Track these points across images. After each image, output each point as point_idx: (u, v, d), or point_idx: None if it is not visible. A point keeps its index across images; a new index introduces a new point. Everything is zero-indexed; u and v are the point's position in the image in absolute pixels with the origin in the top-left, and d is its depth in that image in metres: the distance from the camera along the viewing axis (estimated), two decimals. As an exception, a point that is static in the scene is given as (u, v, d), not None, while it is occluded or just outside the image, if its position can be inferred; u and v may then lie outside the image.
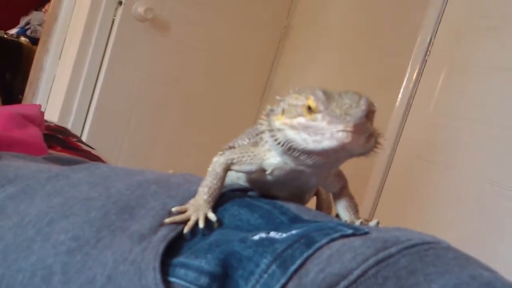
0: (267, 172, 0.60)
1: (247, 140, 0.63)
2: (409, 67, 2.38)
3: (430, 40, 2.32)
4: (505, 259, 1.80)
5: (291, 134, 0.55)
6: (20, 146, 1.08)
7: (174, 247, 0.51)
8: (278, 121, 0.56)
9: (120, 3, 2.45)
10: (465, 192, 2.06)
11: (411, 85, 2.36)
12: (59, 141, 1.48)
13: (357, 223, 0.60)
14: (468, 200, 2.04)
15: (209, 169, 0.59)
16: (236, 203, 0.58)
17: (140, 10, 2.46)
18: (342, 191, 0.64)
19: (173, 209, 0.54)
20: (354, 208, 0.63)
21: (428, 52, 2.32)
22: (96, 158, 1.45)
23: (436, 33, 2.31)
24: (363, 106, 0.52)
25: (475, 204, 2.01)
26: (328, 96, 0.53)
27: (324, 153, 0.54)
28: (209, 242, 0.52)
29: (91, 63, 2.45)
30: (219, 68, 2.85)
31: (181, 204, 0.55)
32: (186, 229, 0.53)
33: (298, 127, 0.54)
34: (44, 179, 0.63)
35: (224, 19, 2.79)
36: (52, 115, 2.34)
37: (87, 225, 0.53)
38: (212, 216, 0.54)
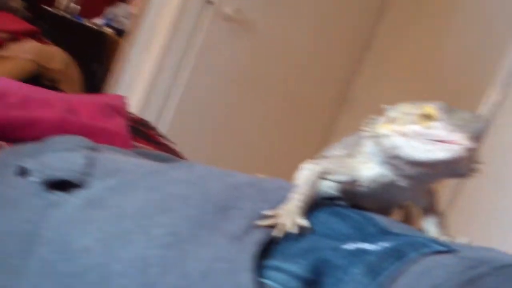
0: (361, 184, 0.60)
1: (343, 151, 0.63)
2: (489, 91, 2.33)
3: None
4: None
5: (400, 141, 0.54)
6: (106, 136, 1.11)
7: (266, 250, 0.52)
8: (384, 129, 0.56)
9: (209, 2, 2.48)
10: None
11: (491, 110, 2.30)
12: (141, 134, 1.52)
13: (447, 240, 0.59)
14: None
15: (302, 176, 0.60)
16: (327, 211, 0.59)
17: (228, 10, 2.49)
18: (432, 207, 0.63)
19: (266, 213, 0.55)
20: (443, 224, 0.62)
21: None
22: (175, 153, 1.48)
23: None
24: (482, 121, 0.52)
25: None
26: (449, 108, 0.53)
27: (431, 165, 0.53)
28: (301, 247, 0.53)
29: (176, 59, 2.50)
30: (300, 73, 2.85)
31: (274, 209, 0.56)
32: (277, 233, 0.53)
33: (410, 134, 0.53)
34: (143, 174, 0.65)
35: (310, 23, 2.79)
36: (133, 107, 2.40)
37: (184, 221, 0.55)
38: (303, 222, 0.55)
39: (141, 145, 1.36)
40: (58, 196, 0.63)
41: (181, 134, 2.43)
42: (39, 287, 0.56)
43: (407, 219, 0.70)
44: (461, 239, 0.59)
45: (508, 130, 2.24)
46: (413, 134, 0.53)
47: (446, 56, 2.64)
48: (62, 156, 0.71)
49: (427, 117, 0.52)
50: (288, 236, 0.54)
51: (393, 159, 0.56)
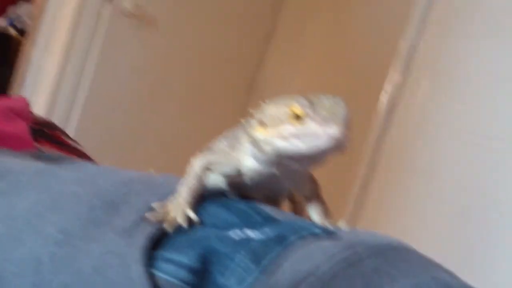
0: (243, 175, 0.63)
1: (225, 143, 0.66)
2: (391, 72, 2.40)
3: (413, 47, 2.34)
4: (490, 269, 1.83)
5: (281, 144, 0.57)
6: (8, 140, 1.09)
7: (156, 242, 0.54)
8: (260, 133, 0.59)
9: (108, -1, 2.47)
10: (448, 202, 2.07)
11: (394, 91, 2.37)
12: (46, 136, 1.49)
13: (327, 224, 0.63)
14: (452, 210, 2.06)
15: (188, 169, 0.62)
16: (214, 203, 0.61)
17: (127, 5, 2.48)
18: (314, 195, 0.66)
19: (154, 205, 0.57)
20: (325, 211, 0.66)
21: (411, 58, 2.34)
22: (82, 154, 1.46)
23: (419, 40, 2.33)
24: (342, 104, 0.55)
25: (459, 214, 2.04)
26: (310, 101, 0.56)
27: (318, 154, 0.56)
28: (189, 238, 0.55)
29: (78, 58, 2.47)
30: (205, 65, 2.87)
31: (162, 202, 0.58)
32: (166, 225, 0.56)
33: (288, 135, 0.56)
34: (32, 174, 0.66)
35: (211, 15, 2.81)
36: (38, 109, 2.35)
37: (73, 219, 0.56)
38: (191, 214, 0.57)
39: (44, 147, 1.34)
40: None
41: (89, 134, 2.41)
42: None
43: (295, 210, 0.73)
44: (341, 224, 0.63)
45: (410, 110, 2.32)
46: (290, 134, 0.56)
47: (349, 40, 2.72)
48: None
49: (296, 116, 0.56)
50: (177, 228, 0.56)
51: (276, 158, 0.59)
